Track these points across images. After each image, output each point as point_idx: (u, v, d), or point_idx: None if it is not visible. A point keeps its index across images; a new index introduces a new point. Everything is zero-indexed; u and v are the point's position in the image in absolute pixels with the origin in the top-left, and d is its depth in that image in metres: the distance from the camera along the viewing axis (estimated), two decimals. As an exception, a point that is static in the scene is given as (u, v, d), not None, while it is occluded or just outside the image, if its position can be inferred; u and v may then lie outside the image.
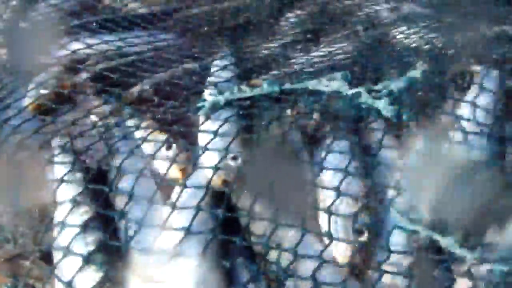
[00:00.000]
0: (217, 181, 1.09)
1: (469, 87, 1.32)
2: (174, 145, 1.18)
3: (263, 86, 1.24)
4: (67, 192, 1.09)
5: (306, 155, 1.18)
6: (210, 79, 1.36)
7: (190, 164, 1.15)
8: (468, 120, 1.20)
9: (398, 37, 1.55)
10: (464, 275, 0.96)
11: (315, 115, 1.23)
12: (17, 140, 1.16)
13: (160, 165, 1.15)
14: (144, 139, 1.18)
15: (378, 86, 1.23)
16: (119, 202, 1.07)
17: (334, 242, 1.00)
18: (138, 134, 1.22)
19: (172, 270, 0.98)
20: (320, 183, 1.10)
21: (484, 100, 1.26)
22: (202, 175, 1.12)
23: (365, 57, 1.46)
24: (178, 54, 1.49)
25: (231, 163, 1.12)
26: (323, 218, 1.05)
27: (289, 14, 1.75)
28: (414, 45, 1.51)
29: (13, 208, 1.10)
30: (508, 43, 1.49)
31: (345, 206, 1.06)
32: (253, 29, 1.68)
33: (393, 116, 1.18)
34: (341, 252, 1.01)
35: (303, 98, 1.25)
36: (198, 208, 1.02)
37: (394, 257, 0.99)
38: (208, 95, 1.26)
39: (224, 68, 1.40)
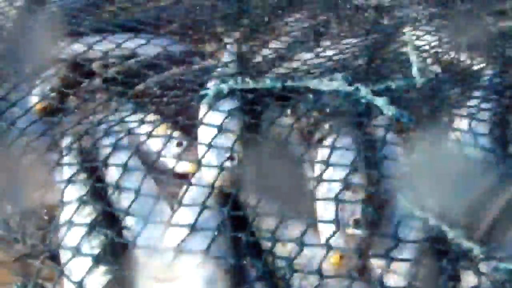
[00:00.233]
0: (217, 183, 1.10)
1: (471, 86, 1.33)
2: (184, 142, 1.20)
3: (266, 80, 1.25)
4: (74, 192, 1.10)
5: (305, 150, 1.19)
6: (213, 74, 1.37)
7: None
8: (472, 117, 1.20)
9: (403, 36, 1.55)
10: (470, 269, 0.97)
11: (315, 113, 1.23)
12: (24, 142, 1.17)
13: (171, 162, 1.17)
14: (150, 134, 1.20)
15: (378, 86, 1.24)
16: (124, 201, 1.09)
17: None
18: (145, 129, 1.23)
19: (179, 268, 0.99)
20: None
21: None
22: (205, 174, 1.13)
23: (369, 57, 1.46)
24: (181, 54, 1.50)
25: (228, 164, 1.13)
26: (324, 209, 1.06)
27: (293, 13, 1.75)
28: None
29: (21, 208, 1.12)
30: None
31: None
32: (257, 28, 1.68)
33: (393, 115, 1.18)
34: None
35: (304, 97, 1.26)
36: (203, 206, 1.03)
37: (401, 246, 0.99)
38: (211, 84, 1.28)
39: (227, 65, 1.41)
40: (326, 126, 1.22)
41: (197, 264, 0.97)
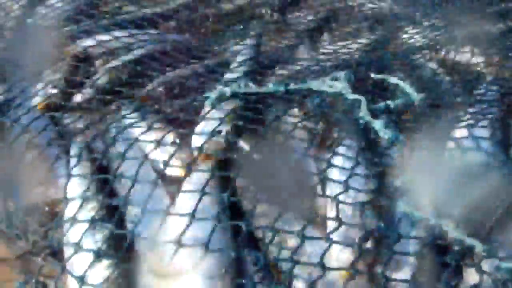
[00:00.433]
0: (202, 157, 1.12)
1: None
2: (177, 141, 1.19)
3: (269, 85, 1.27)
4: (76, 188, 1.11)
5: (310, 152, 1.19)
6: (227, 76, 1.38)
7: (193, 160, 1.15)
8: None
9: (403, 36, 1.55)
10: (472, 267, 0.96)
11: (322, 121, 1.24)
12: (27, 138, 1.17)
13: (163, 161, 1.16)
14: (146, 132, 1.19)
15: (379, 106, 1.25)
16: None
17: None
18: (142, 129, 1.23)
19: (179, 260, 0.98)
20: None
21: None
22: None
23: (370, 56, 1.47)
24: (186, 54, 1.50)
25: (216, 138, 1.15)
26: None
27: (296, 12, 1.76)
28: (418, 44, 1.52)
29: (24, 205, 1.12)
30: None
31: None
32: (260, 27, 1.69)
33: (389, 139, 1.18)
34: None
35: (308, 99, 1.26)
36: (203, 192, 1.03)
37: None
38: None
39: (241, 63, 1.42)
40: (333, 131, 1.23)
41: (198, 257, 0.96)
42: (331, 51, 1.49)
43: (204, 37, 1.63)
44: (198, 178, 1.10)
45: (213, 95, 1.24)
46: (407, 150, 1.17)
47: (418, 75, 1.44)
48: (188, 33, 1.64)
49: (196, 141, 1.18)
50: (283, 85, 1.27)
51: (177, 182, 1.12)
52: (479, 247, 0.96)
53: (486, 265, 0.96)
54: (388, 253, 0.98)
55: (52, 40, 1.47)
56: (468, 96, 1.37)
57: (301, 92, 1.28)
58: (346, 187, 1.06)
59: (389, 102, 1.27)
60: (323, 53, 1.48)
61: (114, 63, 1.43)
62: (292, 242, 1.00)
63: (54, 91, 1.35)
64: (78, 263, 0.98)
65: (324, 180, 1.10)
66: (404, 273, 0.99)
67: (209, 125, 1.19)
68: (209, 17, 1.68)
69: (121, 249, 0.99)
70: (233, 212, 1.05)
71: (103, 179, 1.10)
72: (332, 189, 1.09)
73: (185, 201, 1.05)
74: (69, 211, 1.06)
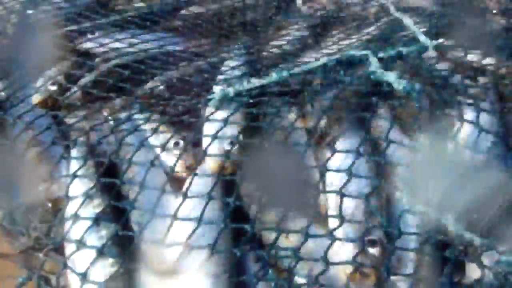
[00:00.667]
0: (214, 166, 1.12)
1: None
2: (181, 142, 1.19)
3: (272, 75, 1.24)
4: (80, 186, 1.11)
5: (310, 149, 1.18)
6: (220, 77, 1.37)
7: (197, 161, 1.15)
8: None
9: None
10: (473, 261, 0.97)
11: (324, 119, 1.22)
12: (30, 135, 1.18)
13: (167, 162, 1.17)
14: (153, 133, 1.20)
15: (390, 53, 1.22)
16: (130, 195, 1.09)
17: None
18: (147, 129, 1.24)
19: (182, 261, 0.99)
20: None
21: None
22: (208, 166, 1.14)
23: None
24: (188, 52, 1.50)
25: (228, 148, 1.14)
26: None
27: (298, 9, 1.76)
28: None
29: (27, 201, 1.12)
30: None
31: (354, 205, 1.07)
32: (262, 26, 1.69)
33: (404, 89, 1.15)
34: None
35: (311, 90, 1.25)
36: (209, 197, 1.03)
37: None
38: (218, 89, 1.28)
39: (234, 67, 1.41)
40: (335, 130, 1.21)
41: (202, 258, 0.97)
42: (336, 49, 1.49)
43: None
44: (203, 181, 1.10)
45: (216, 96, 1.23)
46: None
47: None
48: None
49: (211, 149, 1.15)
50: (286, 70, 1.24)
51: (180, 182, 1.12)
52: (477, 241, 0.97)
53: (486, 260, 0.96)
54: (390, 248, 0.98)
55: (53, 37, 1.48)
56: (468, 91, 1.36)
57: (304, 80, 1.25)
58: (348, 181, 1.06)
59: (401, 48, 1.24)
60: (327, 53, 1.47)
61: (114, 61, 1.43)
62: (294, 238, 1.01)
63: (53, 88, 1.34)
64: (80, 259, 0.99)
65: (324, 175, 1.10)
66: (406, 268, 1.00)
67: (221, 131, 1.17)
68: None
69: (125, 247, 1.00)
70: (235, 210, 1.05)
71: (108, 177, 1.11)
72: (333, 182, 1.09)
73: (191, 204, 1.05)
74: (72, 208, 1.06)
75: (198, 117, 1.24)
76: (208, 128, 1.19)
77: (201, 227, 1.00)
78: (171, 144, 1.19)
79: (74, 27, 1.57)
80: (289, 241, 1.01)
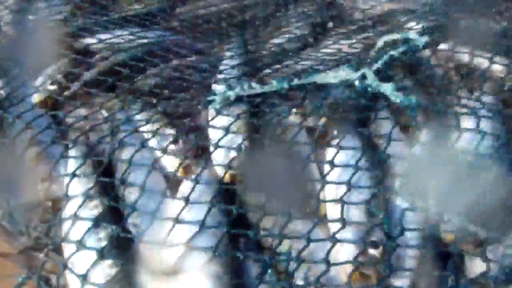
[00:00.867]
0: (226, 176, 1.12)
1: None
2: (180, 141, 1.18)
3: (273, 82, 1.25)
4: (79, 186, 1.11)
5: (311, 150, 1.18)
6: (219, 76, 1.37)
7: (196, 160, 1.15)
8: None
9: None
10: (477, 254, 0.97)
11: (323, 117, 1.22)
12: (29, 135, 1.17)
13: (165, 161, 1.17)
14: (153, 135, 1.19)
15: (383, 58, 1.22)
16: (129, 196, 1.09)
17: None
18: (146, 128, 1.23)
19: (183, 265, 0.99)
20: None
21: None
22: (210, 171, 1.14)
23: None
24: (187, 50, 1.49)
25: (234, 154, 1.14)
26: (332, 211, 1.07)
27: (297, 8, 1.75)
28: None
29: (26, 200, 1.12)
30: None
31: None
32: (261, 24, 1.68)
33: (401, 101, 1.16)
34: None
35: (311, 94, 1.25)
36: (211, 204, 1.03)
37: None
38: (218, 89, 1.27)
39: (233, 66, 1.41)
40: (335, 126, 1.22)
41: (202, 261, 0.97)
42: (335, 49, 1.49)
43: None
44: (206, 186, 1.10)
45: (217, 98, 1.23)
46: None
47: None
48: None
49: (218, 157, 1.15)
50: (286, 81, 1.25)
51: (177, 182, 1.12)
52: (482, 234, 0.97)
53: (490, 254, 0.97)
54: (391, 246, 0.99)
55: (52, 35, 1.47)
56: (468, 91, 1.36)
57: (304, 88, 1.26)
58: (349, 184, 1.07)
59: (392, 52, 1.24)
60: (326, 52, 1.47)
61: (112, 58, 1.42)
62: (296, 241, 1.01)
63: (52, 87, 1.34)
64: (79, 260, 0.99)
65: (325, 178, 1.11)
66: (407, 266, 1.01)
67: (224, 137, 1.16)
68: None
69: (123, 248, 1.00)
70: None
71: (106, 177, 1.11)
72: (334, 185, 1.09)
73: (192, 207, 1.05)
74: (70, 208, 1.06)
75: (199, 117, 1.24)
76: (213, 135, 1.19)
77: (204, 232, 1.00)
78: (168, 143, 1.18)
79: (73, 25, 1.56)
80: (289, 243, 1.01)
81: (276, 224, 1.03)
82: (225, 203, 1.06)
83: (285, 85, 1.24)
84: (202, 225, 1.00)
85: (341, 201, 1.03)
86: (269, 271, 0.99)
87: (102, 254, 0.99)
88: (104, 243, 1.01)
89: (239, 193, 1.09)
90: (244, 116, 1.21)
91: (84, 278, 0.96)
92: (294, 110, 1.25)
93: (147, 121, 1.23)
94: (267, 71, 1.41)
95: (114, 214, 1.06)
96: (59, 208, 1.10)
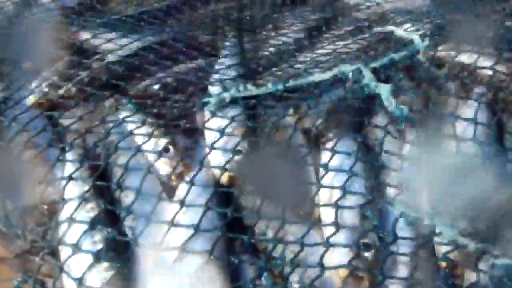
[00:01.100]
0: (224, 179, 1.12)
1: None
2: (171, 149, 1.17)
3: (268, 85, 1.25)
4: (75, 188, 1.11)
5: (307, 153, 1.18)
6: (215, 76, 1.37)
7: (189, 166, 1.15)
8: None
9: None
10: (468, 266, 0.98)
11: (319, 120, 1.22)
12: (25, 137, 1.17)
13: (159, 166, 1.16)
14: (147, 140, 1.19)
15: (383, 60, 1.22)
16: (124, 199, 1.09)
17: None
18: (140, 131, 1.22)
19: (178, 267, 1.00)
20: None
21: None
22: (206, 173, 1.13)
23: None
24: (183, 50, 1.49)
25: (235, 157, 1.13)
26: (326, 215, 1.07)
27: (293, 10, 1.75)
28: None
29: (22, 203, 1.12)
30: None
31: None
32: (257, 25, 1.68)
33: (392, 112, 1.17)
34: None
35: (307, 96, 1.25)
36: (206, 207, 1.03)
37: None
38: (214, 91, 1.27)
39: (229, 67, 1.40)
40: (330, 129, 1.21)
41: (198, 264, 0.98)
42: (331, 50, 1.49)
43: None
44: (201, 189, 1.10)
45: (212, 100, 1.23)
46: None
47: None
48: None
49: (215, 159, 1.15)
50: (282, 82, 1.25)
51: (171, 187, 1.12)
52: (471, 246, 0.98)
53: (481, 264, 0.97)
54: (385, 253, 1.00)
55: (49, 34, 1.46)
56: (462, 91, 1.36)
57: (300, 90, 1.26)
58: (344, 189, 1.07)
59: (393, 55, 1.24)
60: (322, 53, 1.47)
61: (110, 57, 1.42)
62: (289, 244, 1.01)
63: (48, 89, 1.34)
64: (75, 263, 0.99)
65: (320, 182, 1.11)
66: (400, 273, 1.01)
67: (222, 139, 1.16)
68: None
69: (119, 251, 1.00)
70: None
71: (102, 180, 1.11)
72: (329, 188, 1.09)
73: (187, 210, 1.05)
74: (66, 212, 1.06)
75: (193, 121, 1.24)
76: (211, 138, 1.18)
77: (199, 235, 1.01)
78: (160, 149, 1.16)
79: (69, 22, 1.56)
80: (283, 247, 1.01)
81: (270, 227, 1.03)
82: (221, 206, 1.06)
83: (280, 87, 1.24)
84: (197, 228, 1.00)
85: (335, 205, 1.04)
86: (265, 274, 1.00)
87: (98, 257, 0.99)
88: (100, 246, 1.01)
89: (235, 196, 1.09)
90: (239, 118, 1.20)
91: (80, 281, 0.96)
92: (290, 110, 1.25)
93: (143, 123, 1.22)
94: (264, 74, 1.41)
95: (109, 217, 1.06)
96: (55, 211, 1.10)
